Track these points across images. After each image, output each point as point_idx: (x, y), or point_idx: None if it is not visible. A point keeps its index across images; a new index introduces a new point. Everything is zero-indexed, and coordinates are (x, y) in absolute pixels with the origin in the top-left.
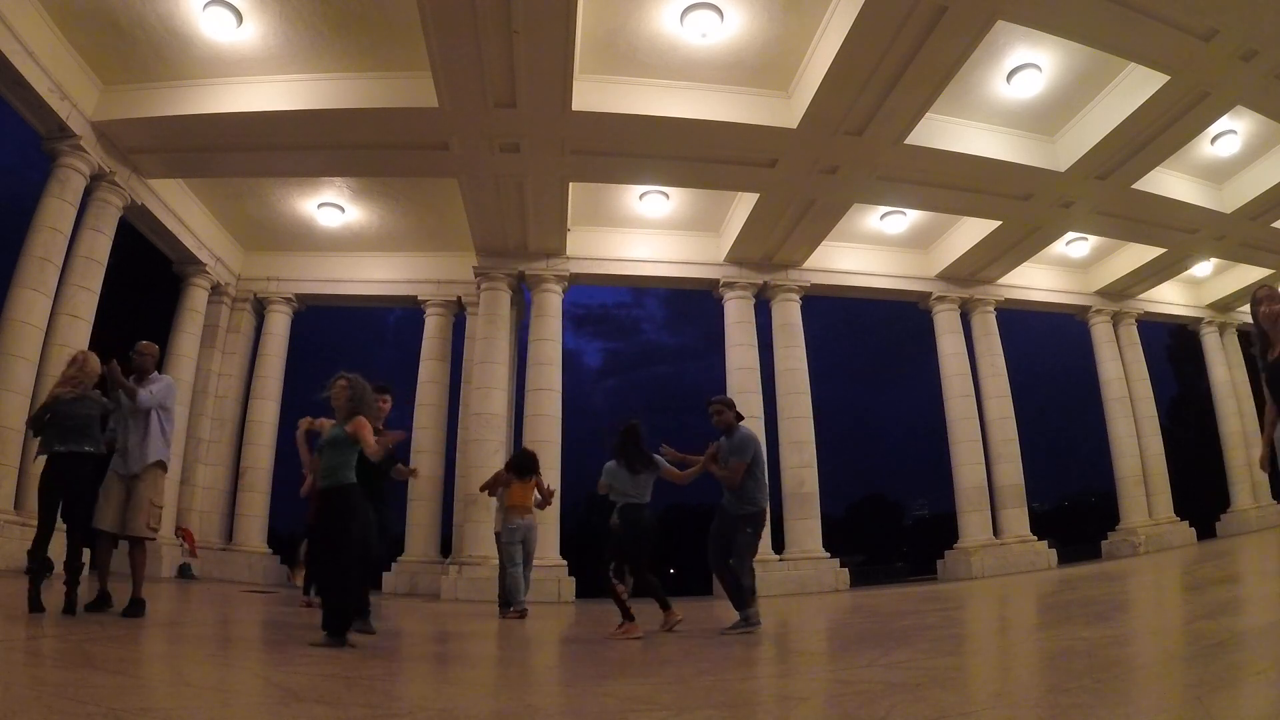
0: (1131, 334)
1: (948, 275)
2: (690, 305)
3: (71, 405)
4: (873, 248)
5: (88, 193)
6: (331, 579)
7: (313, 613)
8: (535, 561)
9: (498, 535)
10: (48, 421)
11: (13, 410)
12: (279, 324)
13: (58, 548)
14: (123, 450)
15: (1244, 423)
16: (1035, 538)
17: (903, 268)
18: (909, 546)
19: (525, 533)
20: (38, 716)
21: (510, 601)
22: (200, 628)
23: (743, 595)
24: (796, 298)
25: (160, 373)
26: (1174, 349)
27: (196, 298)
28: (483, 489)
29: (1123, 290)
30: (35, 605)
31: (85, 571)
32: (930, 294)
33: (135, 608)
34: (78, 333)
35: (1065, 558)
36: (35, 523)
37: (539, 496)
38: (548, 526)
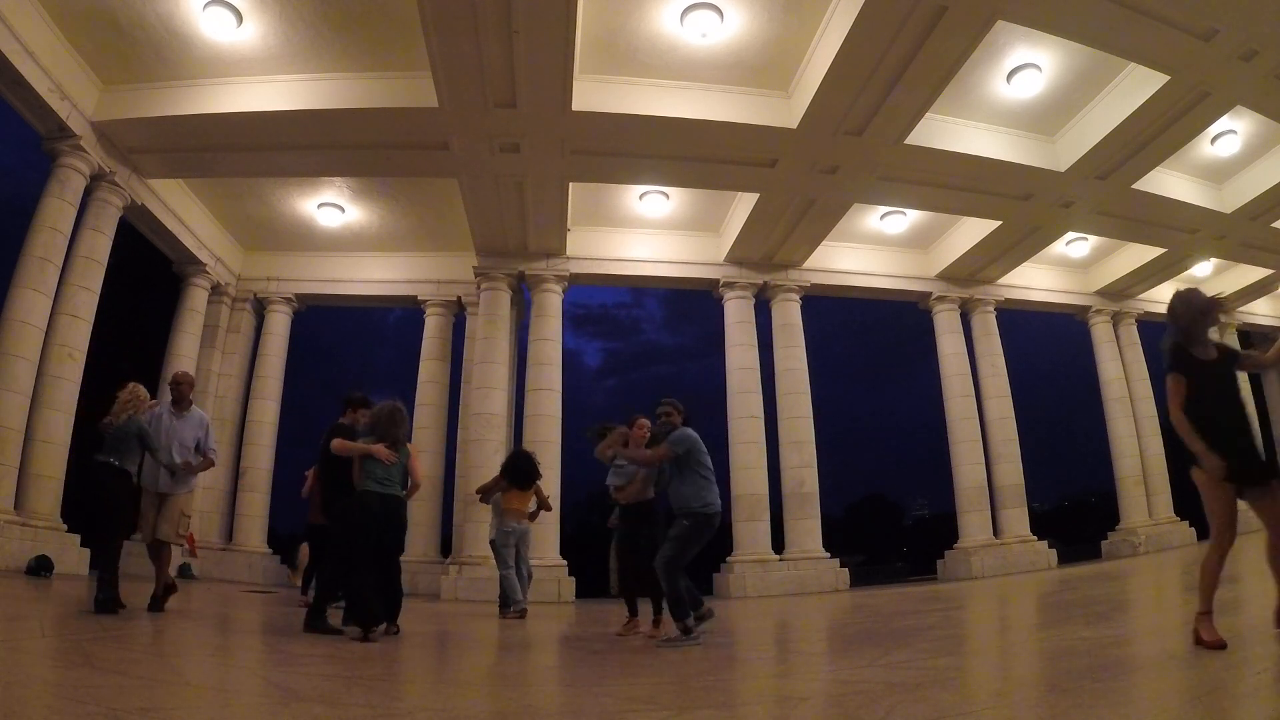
0: (1131, 334)
1: (948, 275)
2: (689, 305)
3: (125, 423)
4: (873, 248)
5: (88, 193)
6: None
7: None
8: (535, 561)
9: (492, 542)
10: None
11: (13, 410)
12: (279, 324)
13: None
14: (163, 473)
15: None
16: (1035, 538)
17: (903, 268)
18: (909, 546)
19: (519, 537)
20: (38, 716)
21: (509, 602)
22: (200, 628)
23: (670, 604)
24: (796, 298)
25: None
26: None
27: (196, 298)
28: (478, 494)
29: (1123, 290)
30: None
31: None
32: (930, 294)
33: (167, 592)
34: (78, 333)
35: (1065, 558)
36: (36, 523)
37: (535, 505)
38: (548, 527)
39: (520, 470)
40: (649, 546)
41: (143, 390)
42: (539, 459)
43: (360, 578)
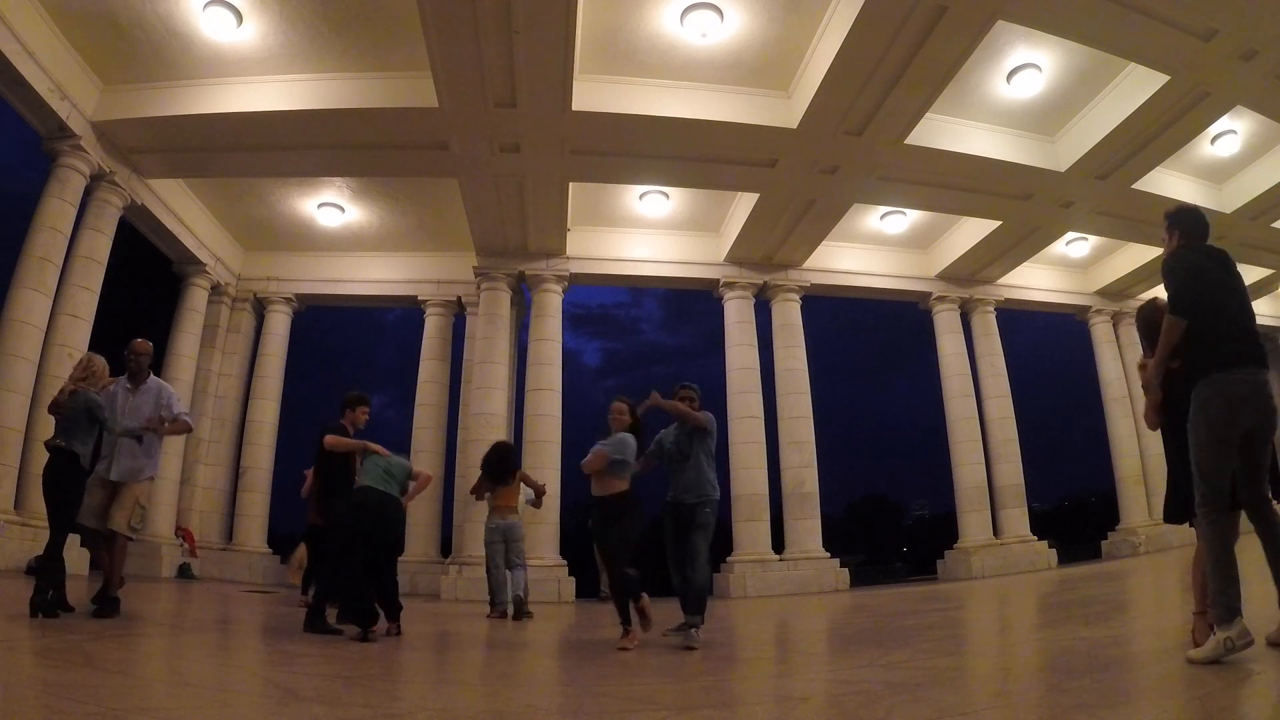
0: (1132, 334)
1: (948, 275)
2: (688, 305)
3: (70, 399)
4: (873, 248)
5: (88, 193)
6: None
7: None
8: (535, 561)
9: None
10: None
11: (13, 410)
12: (279, 324)
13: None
14: (115, 458)
15: None
16: (1035, 538)
17: (903, 268)
18: (909, 546)
19: (504, 532)
20: (38, 716)
21: (495, 601)
22: (200, 627)
23: (702, 597)
24: (796, 298)
25: (158, 375)
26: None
27: (196, 298)
28: (472, 493)
29: (1123, 290)
30: (45, 609)
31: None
32: (930, 294)
33: (107, 606)
34: (78, 333)
35: (1065, 558)
36: (36, 523)
37: (529, 494)
38: (547, 527)
39: (494, 465)
40: (622, 541)
41: (99, 362)
42: (519, 449)
43: (355, 576)
